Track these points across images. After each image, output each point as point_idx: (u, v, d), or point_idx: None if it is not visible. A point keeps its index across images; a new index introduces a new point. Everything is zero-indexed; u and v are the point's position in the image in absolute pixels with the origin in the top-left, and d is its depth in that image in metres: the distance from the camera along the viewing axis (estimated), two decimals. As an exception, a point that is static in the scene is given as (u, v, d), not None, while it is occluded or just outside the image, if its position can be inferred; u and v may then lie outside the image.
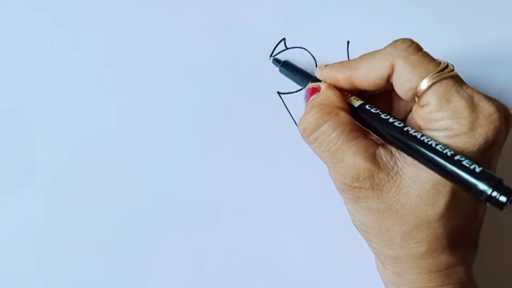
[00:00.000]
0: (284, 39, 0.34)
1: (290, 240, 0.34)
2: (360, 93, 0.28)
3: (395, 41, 0.26)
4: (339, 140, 0.26)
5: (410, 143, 0.24)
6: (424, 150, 0.24)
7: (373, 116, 0.26)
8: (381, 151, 0.25)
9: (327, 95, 0.28)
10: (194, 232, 0.34)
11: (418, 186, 0.24)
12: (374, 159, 0.25)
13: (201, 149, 0.34)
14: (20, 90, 0.33)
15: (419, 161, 0.24)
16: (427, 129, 0.25)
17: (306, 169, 0.34)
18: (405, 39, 0.26)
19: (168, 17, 0.34)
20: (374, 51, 0.27)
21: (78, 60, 0.33)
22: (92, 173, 0.33)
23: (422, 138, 0.24)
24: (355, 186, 0.25)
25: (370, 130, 0.27)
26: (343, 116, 0.26)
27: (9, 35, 0.33)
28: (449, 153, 0.23)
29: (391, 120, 0.26)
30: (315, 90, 0.29)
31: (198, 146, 0.34)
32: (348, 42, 0.34)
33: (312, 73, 0.31)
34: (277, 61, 0.33)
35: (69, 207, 0.33)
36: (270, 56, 0.34)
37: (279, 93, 0.34)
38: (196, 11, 0.34)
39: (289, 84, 0.34)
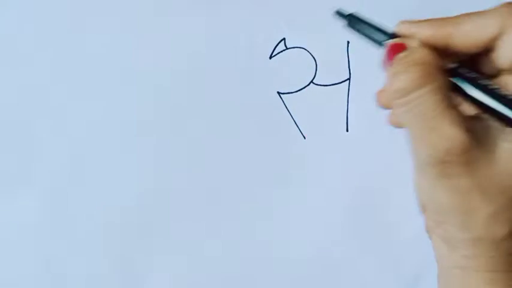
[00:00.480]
0: (284, 39, 0.34)
1: (290, 240, 0.34)
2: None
3: (509, 2, 0.24)
4: (438, 107, 0.23)
5: None
6: None
7: (471, 81, 0.23)
8: (478, 125, 0.24)
9: (423, 53, 0.24)
10: (194, 232, 0.34)
11: None
12: (470, 132, 0.23)
13: (200, 148, 0.34)
14: (19, 90, 0.33)
15: None
16: None
17: (305, 169, 0.34)
18: None
19: (168, 16, 0.34)
20: (481, 11, 0.24)
21: (79, 61, 0.33)
22: (91, 173, 0.33)
23: None
24: (447, 161, 0.23)
25: (465, 96, 0.24)
26: (445, 80, 0.24)
27: (9, 35, 0.33)
28: None
29: (492, 86, 0.23)
30: (401, 47, 0.25)
31: (197, 146, 0.34)
32: (348, 42, 0.34)
33: (385, 29, 0.27)
34: (341, 14, 0.28)
35: (69, 207, 0.33)
36: (270, 56, 0.34)
37: (279, 93, 0.34)
38: (197, 11, 0.34)
39: (289, 84, 0.34)
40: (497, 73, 0.25)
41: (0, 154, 0.33)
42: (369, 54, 0.35)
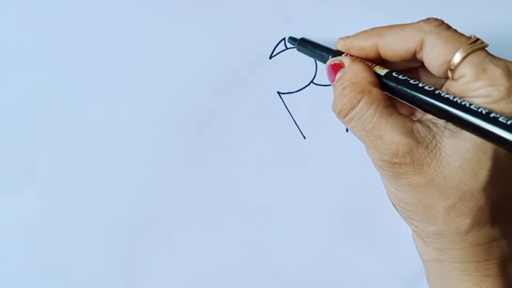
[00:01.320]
0: (284, 39, 0.34)
1: (290, 240, 0.34)
2: (382, 64, 0.28)
3: (427, 18, 0.26)
4: (374, 116, 0.25)
5: (443, 105, 0.24)
6: (457, 111, 0.23)
7: (402, 83, 0.26)
8: (418, 126, 0.25)
9: (354, 71, 0.27)
10: (194, 232, 0.34)
11: (458, 157, 0.24)
12: (412, 134, 0.25)
13: (201, 149, 0.34)
14: (20, 90, 0.33)
15: (454, 123, 0.24)
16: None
17: (305, 169, 0.34)
18: (436, 18, 0.26)
19: (167, 17, 0.34)
20: (404, 24, 0.27)
21: (79, 61, 0.33)
22: (92, 173, 0.34)
23: (455, 100, 0.24)
24: (395, 163, 0.25)
25: (400, 98, 0.26)
26: (376, 92, 0.26)
27: (8, 34, 0.33)
28: (484, 112, 0.23)
29: (420, 85, 0.25)
30: (338, 67, 0.28)
31: (198, 146, 0.34)
32: (348, 42, 0.34)
33: (331, 47, 0.31)
34: (293, 40, 0.33)
35: (69, 207, 0.34)
36: (270, 56, 0.34)
37: (279, 93, 0.34)
38: (196, 10, 0.34)
39: (289, 84, 0.34)
40: (443, 82, 0.27)
41: (0, 154, 0.33)
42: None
